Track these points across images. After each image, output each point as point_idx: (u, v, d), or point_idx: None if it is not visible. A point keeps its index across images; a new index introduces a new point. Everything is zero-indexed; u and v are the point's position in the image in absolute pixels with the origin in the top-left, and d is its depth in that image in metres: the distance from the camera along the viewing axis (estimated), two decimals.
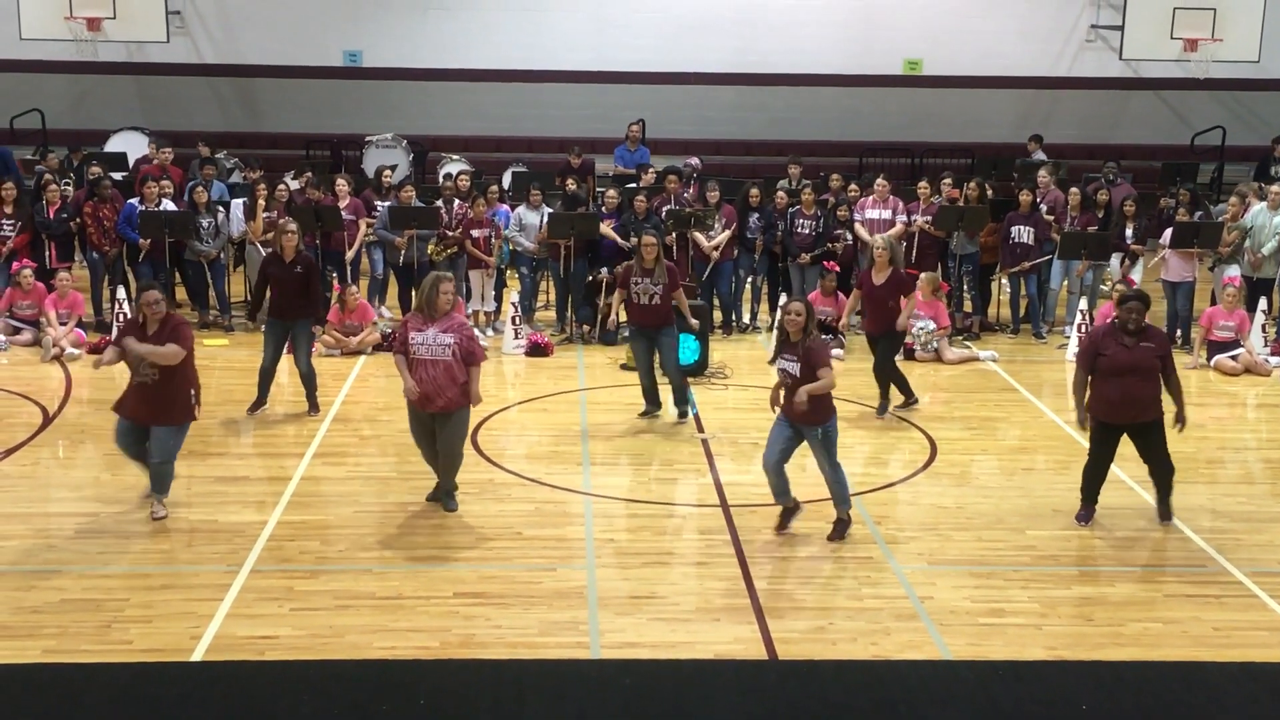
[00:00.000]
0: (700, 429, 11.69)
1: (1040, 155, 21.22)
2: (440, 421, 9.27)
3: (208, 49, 23.64)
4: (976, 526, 9.49)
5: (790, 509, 9.21)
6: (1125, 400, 9.21)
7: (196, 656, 7.36)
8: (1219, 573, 8.76)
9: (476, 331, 14.64)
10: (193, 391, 9.21)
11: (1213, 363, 14.12)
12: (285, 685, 7.10)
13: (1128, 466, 10.81)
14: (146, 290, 9.25)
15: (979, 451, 11.35)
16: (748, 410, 12.12)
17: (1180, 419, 9.44)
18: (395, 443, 11.06)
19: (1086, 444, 9.64)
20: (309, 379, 11.90)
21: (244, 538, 9.00)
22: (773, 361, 9.14)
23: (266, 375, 11.84)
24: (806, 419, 8.89)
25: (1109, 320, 9.92)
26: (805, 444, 9.03)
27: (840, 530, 9.14)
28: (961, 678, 7.33)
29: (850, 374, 13.61)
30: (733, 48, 23.69)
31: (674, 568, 8.71)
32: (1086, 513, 9.59)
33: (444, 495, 9.59)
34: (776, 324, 9.41)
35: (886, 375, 12.22)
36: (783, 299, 14.85)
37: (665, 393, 11.97)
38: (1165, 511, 9.60)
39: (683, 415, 11.83)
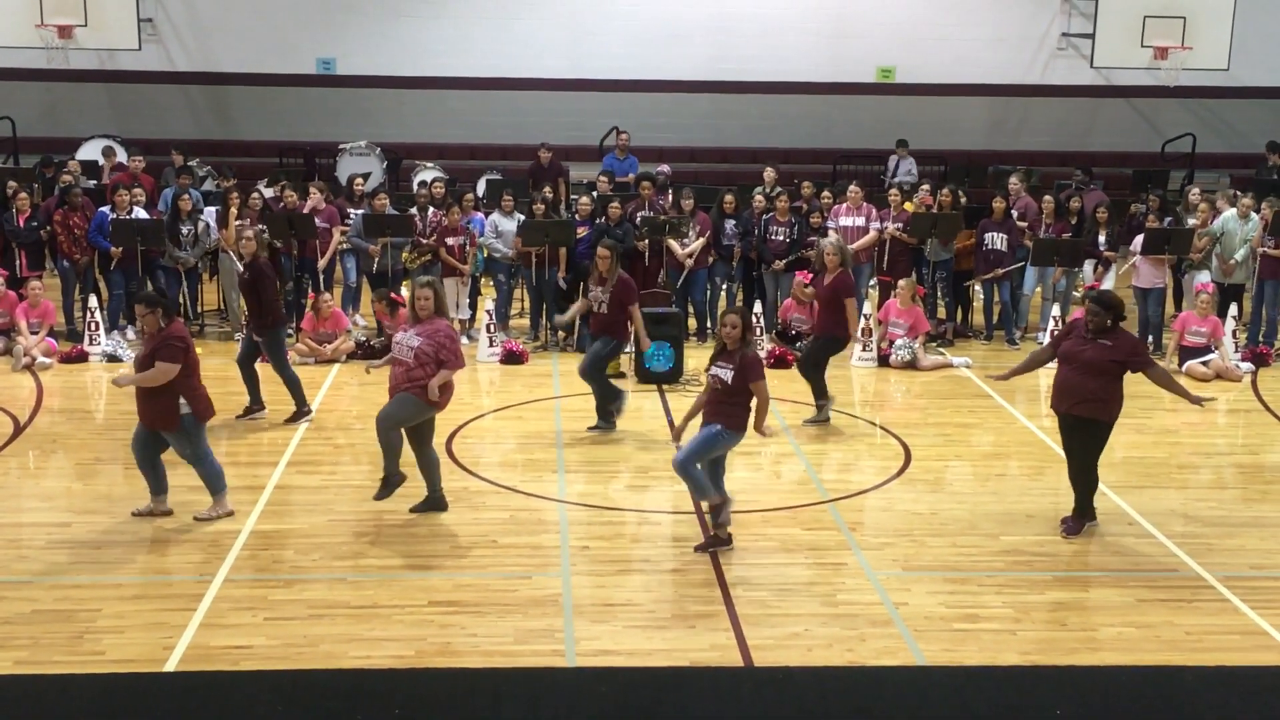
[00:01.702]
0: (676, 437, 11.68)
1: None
2: (397, 397, 9.35)
3: (180, 56, 23.57)
4: (951, 532, 9.52)
5: (719, 505, 9.01)
6: (1062, 387, 9.27)
7: (170, 667, 7.31)
8: (1192, 577, 8.81)
9: None
10: (182, 400, 9.14)
11: (1184, 368, 14.20)
12: (259, 695, 7.06)
13: (1099, 471, 10.88)
14: (138, 303, 9.38)
15: (953, 457, 11.39)
16: None
17: (1191, 399, 9.49)
18: (370, 451, 11.00)
19: (1060, 448, 9.63)
20: (288, 384, 11.89)
21: (218, 547, 8.95)
22: (708, 369, 9.01)
23: (241, 370, 11.94)
24: (730, 426, 8.80)
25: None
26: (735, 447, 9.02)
27: (718, 513, 9.00)
28: (936, 683, 7.35)
29: (831, 381, 13.63)
30: (707, 55, 23.78)
31: (649, 575, 8.70)
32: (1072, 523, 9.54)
33: (381, 481, 9.64)
34: (716, 333, 9.41)
35: (816, 373, 12.12)
36: (758, 306, 14.92)
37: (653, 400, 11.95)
38: (1071, 525, 9.45)
39: (603, 423, 11.73)
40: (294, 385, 11.90)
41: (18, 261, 14.94)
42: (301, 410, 11.94)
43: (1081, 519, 9.48)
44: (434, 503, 9.66)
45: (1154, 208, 16.07)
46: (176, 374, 9.03)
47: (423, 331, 9.27)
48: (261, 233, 12.16)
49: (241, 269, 11.77)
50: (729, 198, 15.63)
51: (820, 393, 12.22)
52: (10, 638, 7.59)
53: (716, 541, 9.00)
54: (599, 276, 11.68)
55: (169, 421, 9.17)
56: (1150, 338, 15.19)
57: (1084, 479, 9.43)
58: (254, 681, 7.18)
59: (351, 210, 15.72)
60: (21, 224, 14.92)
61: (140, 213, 15.15)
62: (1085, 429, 9.27)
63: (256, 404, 11.98)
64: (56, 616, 7.87)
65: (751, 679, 7.35)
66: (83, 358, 14.01)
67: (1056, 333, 9.78)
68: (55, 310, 14.57)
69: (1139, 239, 15.31)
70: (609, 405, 11.75)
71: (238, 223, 14.89)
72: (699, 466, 8.87)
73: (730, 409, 8.82)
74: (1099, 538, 9.47)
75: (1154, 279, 15.16)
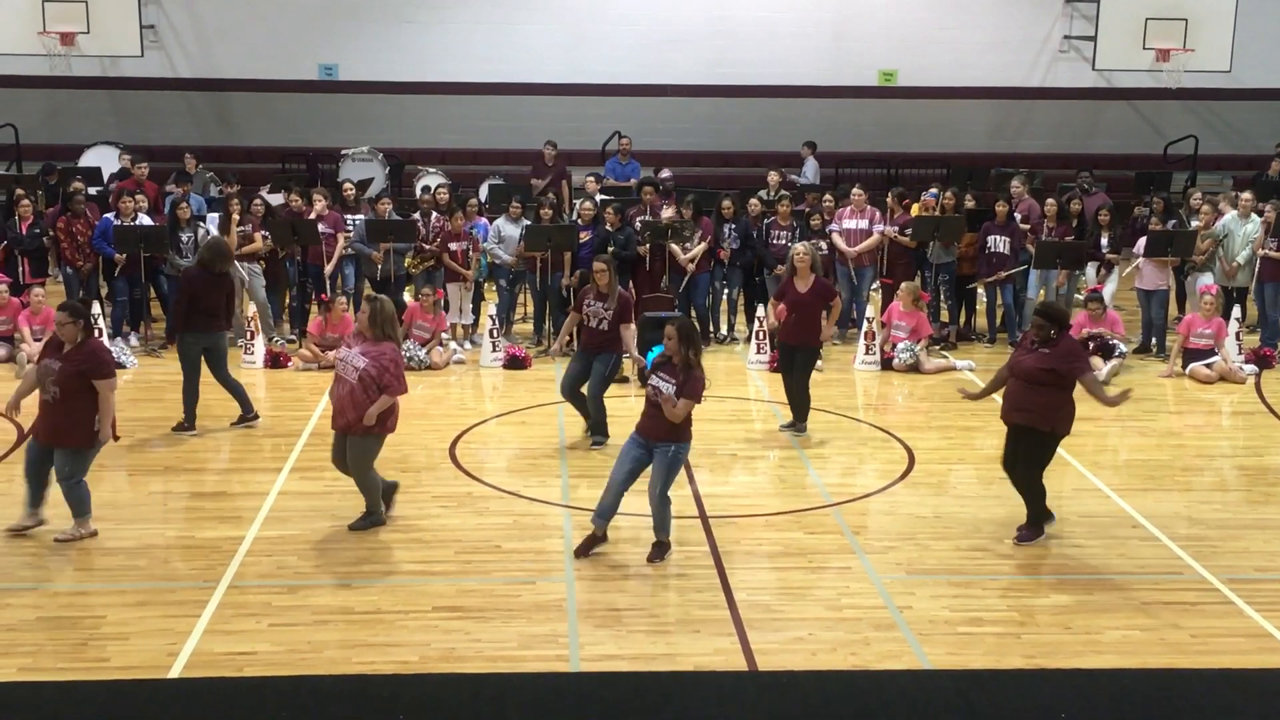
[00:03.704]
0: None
1: None
2: (350, 443, 9.25)
3: (182, 63, 23.58)
4: (955, 536, 9.52)
5: (600, 537, 9.01)
6: (1006, 397, 9.31)
7: (174, 673, 7.32)
8: (1196, 580, 8.81)
9: (454, 345, 14.76)
10: (98, 417, 8.97)
11: (1188, 371, 14.20)
12: (264, 701, 7.06)
13: (1103, 474, 10.89)
14: (62, 310, 9.14)
15: (956, 461, 11.39)
16: (725, 422, 12.12)
17: (1109, 401, 9.36)
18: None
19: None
20: (230, 389, 11.86)
21: (221, 553, 8.95)
22: (647, 377, 8.96)
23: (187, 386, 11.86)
24: (666, 437, 8.74)
25: None
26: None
27: (660, 552, 8.96)
28: (941, 687, 7.35)
29: (828, 384, 13.67)
30: (708, 59, 23.78)
31: (653, 580, 8.70)
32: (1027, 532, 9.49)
33: (361, 516, 9.49)
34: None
35: (803, 393, 11.93)
36: (760, 310, 14.91)
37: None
38: (1021, 533, 9.40)
39: (597, 444, 11.50)
40: (237, 390, 11.85)
41: (21, 268, 14.96)
42: (247, 416, 11.90)
43: (1035, 527, 9.41)
44: (375, 519, 9.50)
45: (1158, 210, 16.07)
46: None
47: (368, 352, 9.09)
48: (213, 244, 12.01)
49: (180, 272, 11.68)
50: (726, 203, 15.62)
51: (807, 410, 12.01)
52: (15, 644, 7.60)
53: (662, 548, 8.97)
54: (598, 291, 11.46)
55: (84, 437, 8.98)
56: (1154, 339, 15.20)
57: (1031, 489, 9.36)
58: (258, 688, 7.19)
59: (348, 216, 15.71)
60: (24, 231, 14.93)
61: (144, 219, 15.16)
62: (1026, 437, 9.23)
63: (248, 411, 11.98)
64: (61, 623, 7.88)
65: (755, 683, 7.35)
66: None
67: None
68: (80, 326, 14.54)
69: (1142, 241, 15.31)
70: (601, 429, 11.50)
71: (241, 229, 14.91)
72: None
73: (673, 423, 8.73)
74: (1102, 540, 9.46)
75: (1157, 281, 15.16)
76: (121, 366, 13.86)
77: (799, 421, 11.97)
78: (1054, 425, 9.17)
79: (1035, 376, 9.07)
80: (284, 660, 7.48)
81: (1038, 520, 9.42)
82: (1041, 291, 15.51)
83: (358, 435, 9.16)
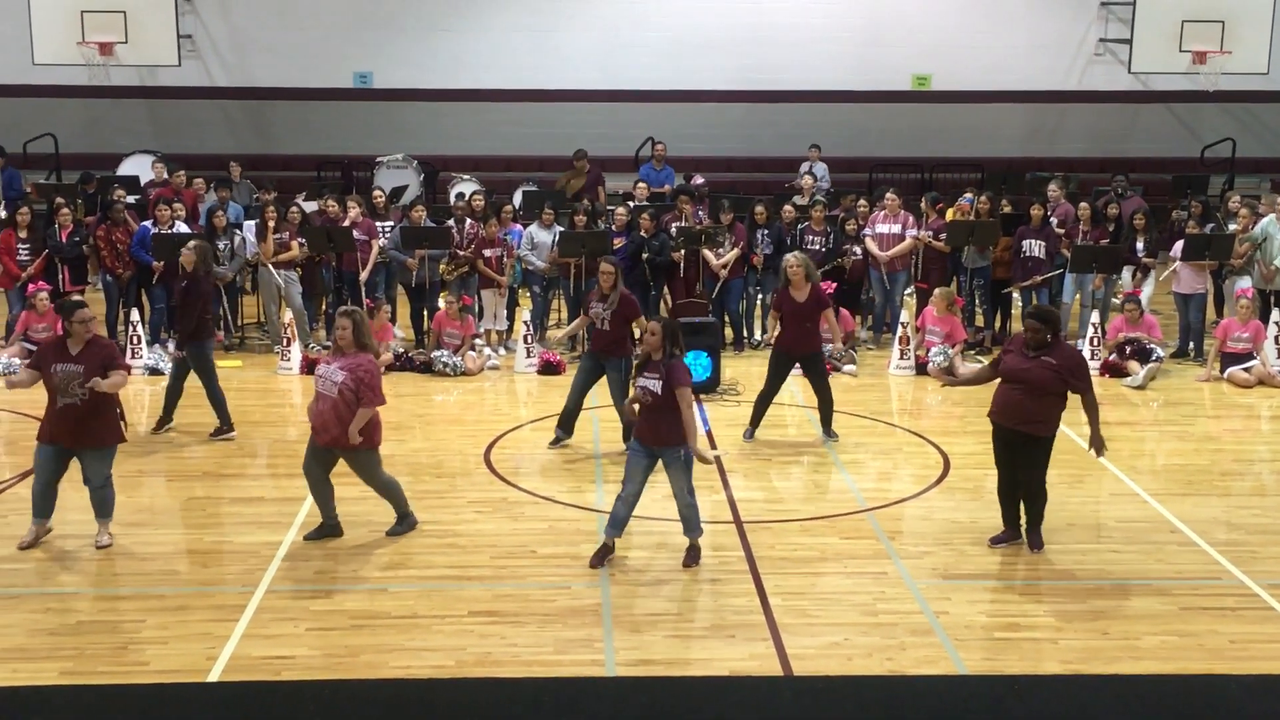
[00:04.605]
0: (713, 445, 11.70)
1: None
2: (349, 461, 9.22)
3: (219, 72, 23.79)
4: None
5: (612, 548, 9.00)
6: (1006, 405, 9.12)
7: (213, 677, 7.38)
8: (1235, 585, 8.74)
9: (488, 351, 14.81)
10: (119, 411, 9.13)
11: (1226, 375, 14.09)
12: (301, 705, 7.11)
13: (1141, 479, 10.82)
14: (75, 309, 9.14)
15: (992, 465, 11.30)
16: (760, 426, 12.11)
17: (1095, 441, 9.18)
18: (407, 462, 11.09)
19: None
20: (214, 402, 11.82)
21: (259, 558, 9.02)
22: (632, 381, 8.92)
23: (171, 391, 11.95)
24: (669, 440, 8.74)
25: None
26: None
27: (694, 556, 8.98)
28: (977, 692, 7.32)
29: (862, 389, 13.65)
30: (741, 65, 23.77)
31: (688, 585, 8.71)
32: (1004, 534, 9.38)
33: (396, 522, 9.52)
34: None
35: (828, 397, 11.90)
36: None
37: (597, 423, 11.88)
38: (1035, 540, 9.30)
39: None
40: (220, 404, 11.83)
41: (61, 276, 15.11)
42: (224, 428, 11.86)
43: (1039, 529, 9.33)
44: (329, 530, 9.45)
45: (1195, 214, 15.94)
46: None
47: (346, 365, 9.03)
48: (201, 247, 12.06)
49: (186, 281, 11.71)
50: (759, 209, 15.63)
51: (831, 412, 11.97)
52: (56, 649, 7.68)
53: (696, 551, 8.98)
54: (600, 293, 11.45)
55: (115, 435, 9.09)
56: (1191, 344, 15.09)
57: (1037, 494, 9.27)
58: (296, 692, 7.24)
59: (379, 223, 15.78)
60: (64, 239, 15.08)
61: (182, 227, 15.29)
62: (1031, 445, 9.14)
63: (168, 419, 12.01)
64: (101, 628, 7.96)
65: (791, 688, 7.34)
66: None
67: (1002, 351, 9.46)
68: (97, 324, 14.68)
69: (1179, 245, 15.21)
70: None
71: (278, 237, 15.02)
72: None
73: (672, 422, 8.72)
74: (1140, 546, 9.40)
75: (1195, 285, 15.06)
76: (159, 372, 13.99)
77: (827, 426, 11.98)
78: (1054, 430, 9.16)
79: (1048, 386, 8.99)
80: (321, 664, 7.53)
81: (1040, 521, 9.32)
82: (1077, 296, 15.43)
83: (350, 452, 9.13)
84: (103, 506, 9.23)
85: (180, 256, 11.87)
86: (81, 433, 8.99)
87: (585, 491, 10.50)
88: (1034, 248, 15.26)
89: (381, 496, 9.47)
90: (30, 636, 7.85)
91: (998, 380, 9.33)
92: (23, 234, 14.99)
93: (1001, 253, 15.57)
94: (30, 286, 14.58)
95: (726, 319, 15.41)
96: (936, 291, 14.71)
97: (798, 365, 11.95)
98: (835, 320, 12.06)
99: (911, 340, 14.58)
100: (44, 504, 9.19)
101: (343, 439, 9.03)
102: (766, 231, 15.50)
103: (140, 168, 20.57)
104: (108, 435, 9.09)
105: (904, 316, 14.84)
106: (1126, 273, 16.06)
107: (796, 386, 13.92)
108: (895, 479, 11.04)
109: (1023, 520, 9.33)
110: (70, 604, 8.29)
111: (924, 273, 15.51)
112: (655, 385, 8.70)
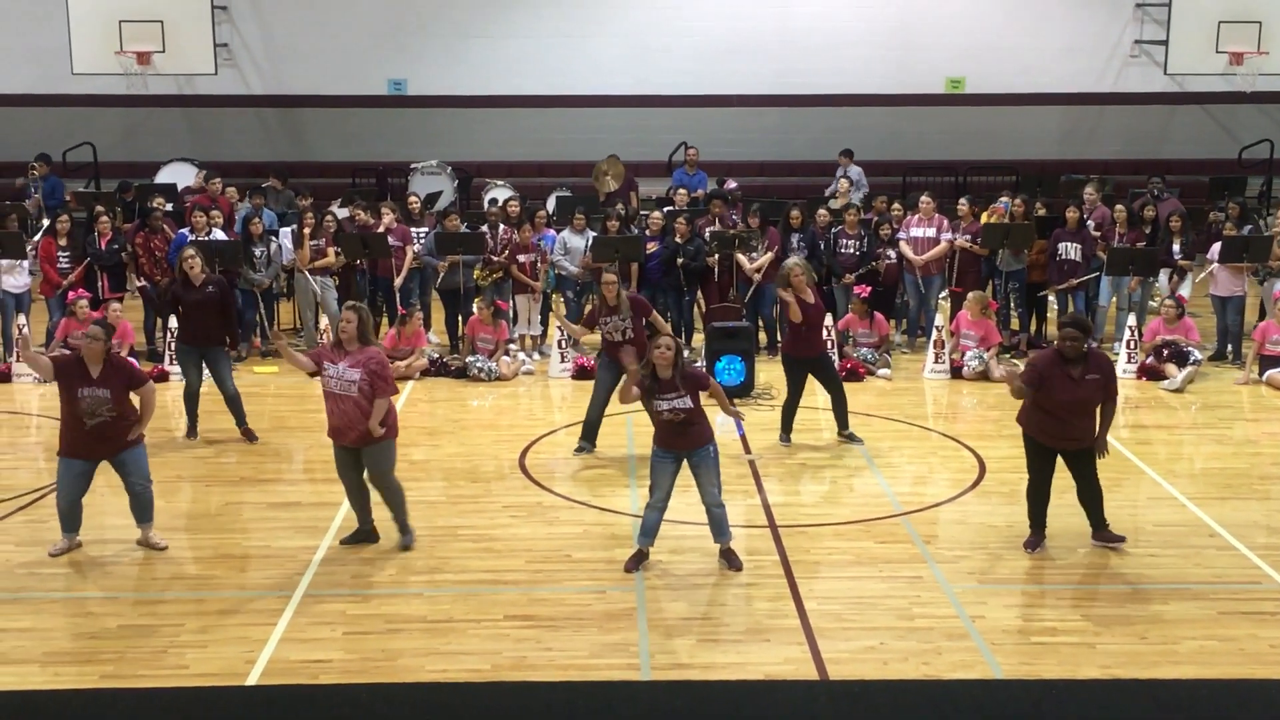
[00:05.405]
0: (747, 450, 11.70)
1: None
2: (365, 455, 9.18)
3: (255, 80, 23.98)
4: None
5: (646, 554, 9.02)
6: (1064, 433, 9.05)
7: (251, 681, 7.43)
8: (1275, 590, 8.67)
9: (522, 356, 14.86)
10: (139, 416, 9.28)
11: (1265, 378, 13.98)
12: (338, 709, 7.16)
13: (1179, 483, 10.75)
14: (94, 325, 9.26)
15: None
16: (794, 431, 12.09)
17: (1100, 443, 9.11)
18: (442, 467, 11.14)
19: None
20: (234, 401, 11.94)
21: (296, 563, 9.08)
22: (649, 404, 8.81)
23: (191, 400, 12.01)
24: (700, 441, 8.76)
25: (1053, 346, 9.31)
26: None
27: (734, 561, 8.97)
28: (1014, 697, 7.29)
29: (897, 393, 13.62)
30: (774, 69, 23.77)
31: (723, 589, 8.71)
32: (1034, 539, 9.34)
33: (398, 532, 9.44)
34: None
35: (841, 396, 11.91)
36: (828, 319, 14.85)
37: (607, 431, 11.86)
38: (1112, 536, 9.30)
39: None
40: (237, 405, 11.93)
41: (100, 283, 15.25)
42: (247, 437, 11.97)
43: (1107, 525, 9.34)
44: (365, 535, 9.48)
45: (1233, 215, 15.82)
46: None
47: (355, 362, 8.99)
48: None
49: (196, 286, 11.79)
50: (794, 213, 15.62)
51: (846, 412, 12.01)
52: (97, 652, 7.76)
53: (732, 554, 9.01)
54: (606, 307, 11.36)
55: (138, 431, 9.24)
56: (1229, 346, 14.98)
57: (1098, 493, 9.28)
58: (333, 695, 7.28)
59: (413, 229, 15.85)
60: (103, 246, 15.23)
61: (218, 234, 15.42)
62: (1085, 454, 9.14)
63: (193, 428, 12.09)
64: (142, 631, 8.04)
65: (827, 692, 7.33)
66: (163, 377, 14.23)
67: (1027, 374, 9.10)
68: (134, 331, 14.85)
69: (1216, 247, 15.10)
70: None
71: (314, 243, 15.12)
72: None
73: (702, 426, 8.79)
74: (1178, 550, 9.33)
75: (1232, 287, 14.94)
76: None
77: (843, 425, 11.98)
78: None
79: (1095, 402, 8.99)
80: (358, 668, 7.58)
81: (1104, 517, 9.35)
82: (1114, 299, 15.34)
83: (373, 445, 9.12)
84: (147, 509, 9.33)
85: (184, 267, 11.99)
86: (115, 443, 9.12)
87: (620, 496, 10.52)
88: (1070, 250, 15.18)
89: (385, 503, 9.36)
90: (72, 640, 7.94)
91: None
92: (62, 242, 15.14)
93: (1037, 256, 15.49)
94: (70, 294, 14.71)
95: (760, 323, 15.40)
96: (970, 295, 14.66)
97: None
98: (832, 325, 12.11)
99: (946, 344, 14.53)
100: (72, 520, 9.28)
101: (367, 435, 9.05)
102: (800, 236, 15.48)
103: (178, 175, 20.76)
104: (134, 433, 9.22)
105: (939, 320, 14.79)
106: (1163, 275, 15.96)
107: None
108: (930, 483, 11.00)
109: (1051, 522, 9.29)
110: (112, 608, 8.37)
111: (959, 276, 15.46)
112: (684, 402, 8.69)
